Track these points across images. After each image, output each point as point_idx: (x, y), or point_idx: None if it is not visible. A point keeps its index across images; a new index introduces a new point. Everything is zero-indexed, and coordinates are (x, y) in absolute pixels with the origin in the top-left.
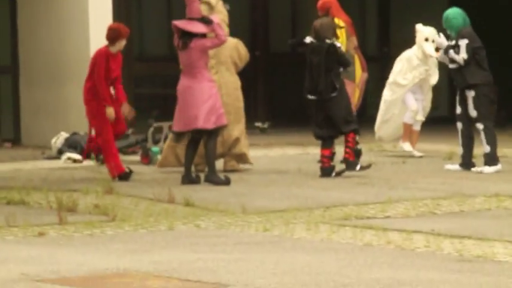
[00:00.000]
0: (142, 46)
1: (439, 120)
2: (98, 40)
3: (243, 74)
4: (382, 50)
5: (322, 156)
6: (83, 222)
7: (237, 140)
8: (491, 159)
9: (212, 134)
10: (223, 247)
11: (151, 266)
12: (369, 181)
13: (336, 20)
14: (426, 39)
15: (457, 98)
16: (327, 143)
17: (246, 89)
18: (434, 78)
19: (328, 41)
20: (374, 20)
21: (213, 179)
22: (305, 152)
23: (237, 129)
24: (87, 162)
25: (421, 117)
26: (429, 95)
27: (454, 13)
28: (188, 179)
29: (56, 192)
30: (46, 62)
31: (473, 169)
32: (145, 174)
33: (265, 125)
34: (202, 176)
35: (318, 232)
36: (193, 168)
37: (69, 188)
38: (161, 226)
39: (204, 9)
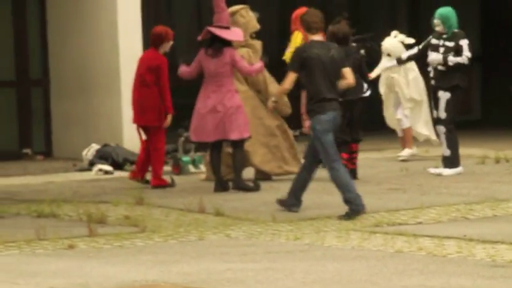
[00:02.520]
0: (172, 56)
1: (471, 124)
2: (127, 52)
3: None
4: None
5: (343, 159)
6: (113, 234)
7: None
8: (451, 162)
9: (243, 143)
10: (253, 256)
11: (180, 277)
12: (401, 187)
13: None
14: (388, 55)
15: (433, 101)
16: (345, 146)
17: None
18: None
19: (353, 44)
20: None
21: (240, 185)
22: None
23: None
24: (118, 174)
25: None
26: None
27: (452, 13)
28: (221, 186)
29: (86, 204)
30: (76, 74)
31: (431, 170)
32: (176, 184)
33: (297, 133)
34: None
35: (349, 240)
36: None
37: (100, 200)
38: (191, 236)
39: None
